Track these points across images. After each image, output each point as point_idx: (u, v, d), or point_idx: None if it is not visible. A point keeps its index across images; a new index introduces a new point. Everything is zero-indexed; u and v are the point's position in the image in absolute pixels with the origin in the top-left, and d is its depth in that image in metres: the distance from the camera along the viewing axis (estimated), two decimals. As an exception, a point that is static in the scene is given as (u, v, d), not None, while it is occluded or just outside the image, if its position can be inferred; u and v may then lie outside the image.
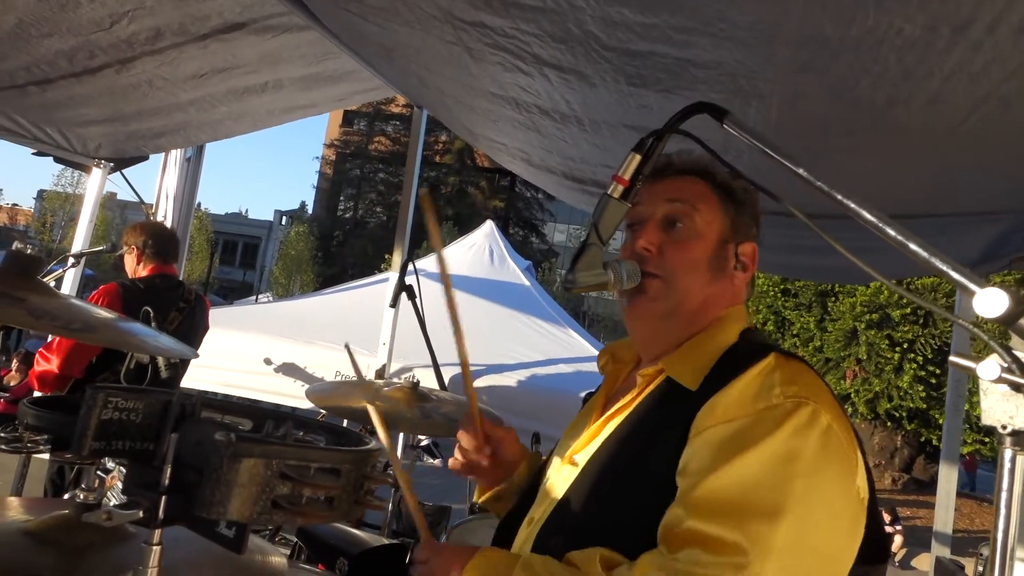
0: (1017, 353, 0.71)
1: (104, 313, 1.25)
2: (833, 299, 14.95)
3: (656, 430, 1.15)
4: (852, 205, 0.87)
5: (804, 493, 0.99)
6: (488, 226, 6.69)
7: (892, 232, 0.83)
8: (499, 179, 40.72)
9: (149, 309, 2.19)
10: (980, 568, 4.27)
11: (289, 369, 4.62)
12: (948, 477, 3.93)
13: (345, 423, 3.41)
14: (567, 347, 5.16)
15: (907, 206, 2.88)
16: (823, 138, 2.13)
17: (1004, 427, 0.70)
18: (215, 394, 4.32)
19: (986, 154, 1.93)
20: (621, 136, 2.58)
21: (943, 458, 4.00)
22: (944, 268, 0.78)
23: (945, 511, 3.88)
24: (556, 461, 1.35)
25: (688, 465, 1.06)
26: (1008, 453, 0.71)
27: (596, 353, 5.08)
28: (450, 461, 1.46)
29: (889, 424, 14.77)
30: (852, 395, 15.71)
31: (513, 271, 6.29)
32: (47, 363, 3.01)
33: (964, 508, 14.42)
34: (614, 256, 1.30)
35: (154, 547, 0.73)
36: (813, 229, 0.90)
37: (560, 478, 1.28)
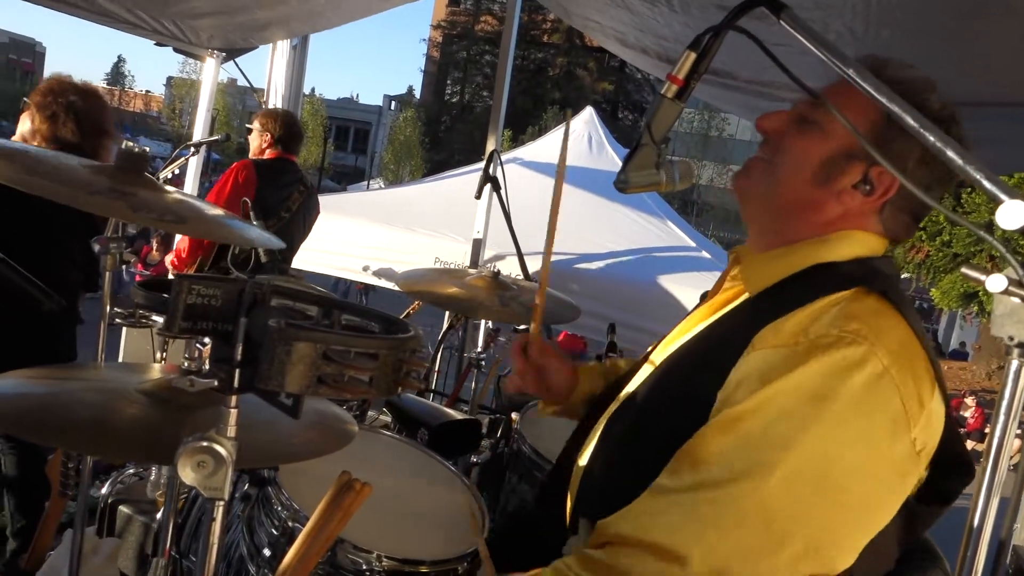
0: (1035, 267, 0.70)
1: (198, 207, 1.39)
2: (968, 190, 13.76)
3: (724, 343, 1.14)
4: (895, 108, 0.84)
5: (826, 433, 0.96)
6: (588, 112, 6.53)
7: (931, 139, 0.81)
8: (608, 60, 38.97)
9: (247, 200, 2.39)
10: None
11: (390, 255, 4.86)
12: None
13: (447, 316, 3.60)
14: (662, 238, 5.11)
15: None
16: (937, 20, 1.95)
17: (1011, 338, 0.70)
18: (299, 274, 4.62)
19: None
20: (712, 16, 2.44)
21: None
22: (978, 177, 0.76)
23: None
24: (648, 359, 1.41)
25: (729, 383, 1.06)
26: (1015, 364, 0.72)
27: (692, 245, 4.98)
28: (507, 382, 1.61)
29: (1019, 325, 13.85)
30: (980, 294, 14.74)
31: (612, 159, 6.17)
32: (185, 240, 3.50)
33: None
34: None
35: (231, 410, 0.87)
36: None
37: (644, 369, 1.35)
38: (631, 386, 1.34)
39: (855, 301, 1.06)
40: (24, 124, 2.63)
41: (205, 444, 0.86)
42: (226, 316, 0.92)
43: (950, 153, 0.79)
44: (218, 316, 0.92)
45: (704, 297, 1.46)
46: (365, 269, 4.90)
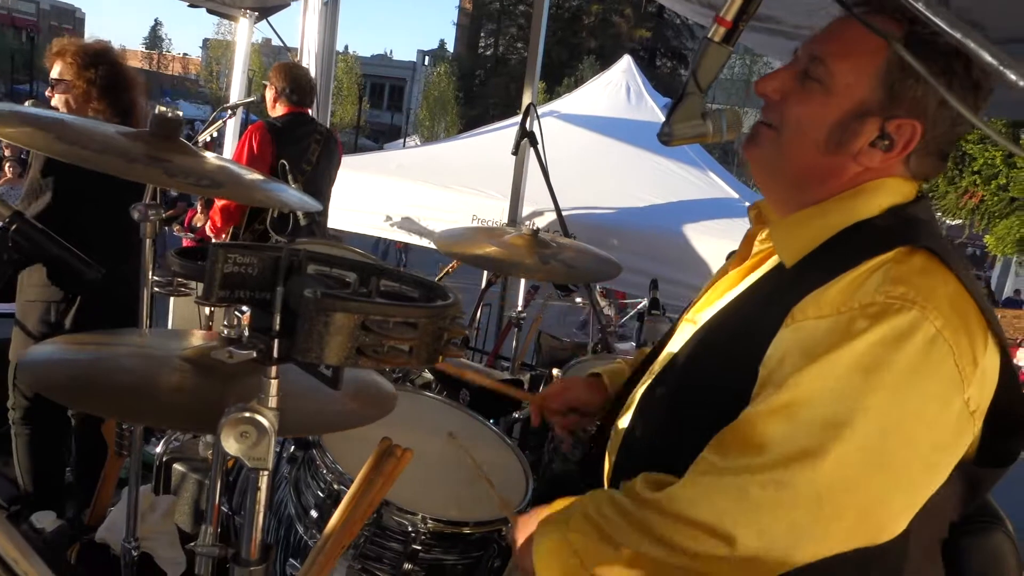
0: None
1: (234, 171, 1.38)
2: (1030, 131, 13.09)
3: (763, 307, 1.10)
4: (958, 35, 0.77)
5: (881, 406, 0.93)
6: (625, 62, 6.35)
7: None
8: (645, 5, 37.74)
9: (285, 163, 2.37)
10: None
11: (428, 213, 4.85)
12: None
13: (486, 273, 3.60)
14: (704, 189, 4.99)
15: None
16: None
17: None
18: (340, 235, 4.62)
19: None
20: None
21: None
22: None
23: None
24: (685, 317, 1.38)
25: (771, 358, 1.02)
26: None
27: (735, 196, 4.87)
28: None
29: (1078, 272, 13.33)
30: (1037, 239, 14.18)
31: (651, 109, 6.01)
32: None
33: None
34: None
35: (272, 380, 0.86)
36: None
37: (680, 335, 1.32)
38: (672, 348, 1.30)
39: (899, 263, 0.99)
40: (67, 102, 2.59)
41: (247, 415, 0.85)
42: (263, 284, 0.90)
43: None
44: (255, 285, 0.90)
45: (730, 256, 1.41)
46: (387, 219, 4.91)
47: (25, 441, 2.78)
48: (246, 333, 0.93)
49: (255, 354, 0.84)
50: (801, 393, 0.96)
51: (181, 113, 1.47)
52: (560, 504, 1.19)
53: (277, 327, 0.84)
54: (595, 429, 1.57)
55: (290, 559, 1.67)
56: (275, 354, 0.84)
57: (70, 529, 2.28)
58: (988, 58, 0.77)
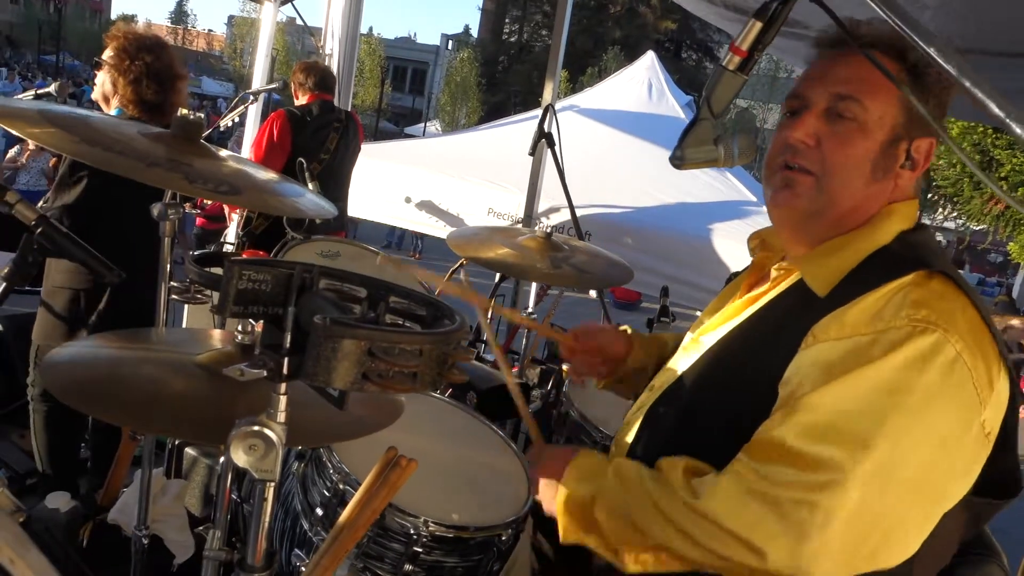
0: None
1: (252, 175, 1.40)
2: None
3: (778, 330, 1.13)
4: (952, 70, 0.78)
5: (904, 427, 0.96)
6: (648, 58, 6.31)
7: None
8: (673, -4, 37.24)
9: (303, 161, 2.40)
10: None
11: (444, 204, 4.86)
12: None
13: (492, 278, 3.61)
14: (721, 191, 4.97)
15: None
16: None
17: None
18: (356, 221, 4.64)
19: None
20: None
21: None
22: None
23: None
24: (689, 336, 1.40)
25: (792, 377, 1.04)
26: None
27: (753, 199, 4.82)
28: (572, 378, 1.63)
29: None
30: (1062, 249, 13.97)
31: (672, 106, 5.98)
32: None
33: None
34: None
35: (281, 396, 0.89)
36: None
37: (686, 354, 1.34)
38: (677, 367, 1.32)
39: (919, 286, 1.03)
40: (104, 83, 2.67)
41: (256, 428, 0.88)
42: (276, 300, 0.93)
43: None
44: (268, 300, 0.93)
45: (731, 278, 1.44)
46: (408, 200, 4.96)
47: (42, 417, 2.83)
48: (258, 346, 0.96)
49: (265, 373, 0.86)
50: (826, 413, 0.98)
51: (202, 116, 1.50)
52: (588, 459, 1.22)
53: (287, 345, 0.86)
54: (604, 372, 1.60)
55: (295, 549, 1.70)
56: (285, 372, 0.86)
57: (83, 509, 2.34)
58: (995, 109, 0.78)
